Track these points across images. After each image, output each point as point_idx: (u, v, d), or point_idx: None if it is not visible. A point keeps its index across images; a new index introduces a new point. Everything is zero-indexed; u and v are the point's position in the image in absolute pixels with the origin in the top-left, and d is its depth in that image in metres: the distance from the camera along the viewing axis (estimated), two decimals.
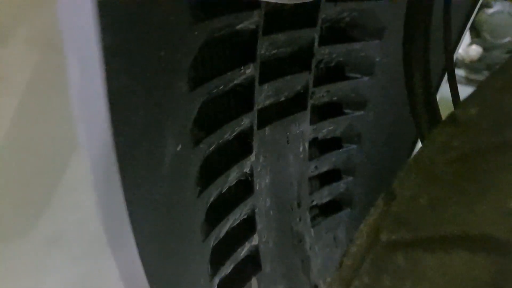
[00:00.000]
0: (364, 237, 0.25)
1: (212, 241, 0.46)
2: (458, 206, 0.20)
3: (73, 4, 0.23)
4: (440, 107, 0.44)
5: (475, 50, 1.61)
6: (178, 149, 0.34)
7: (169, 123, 0.32)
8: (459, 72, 1.73)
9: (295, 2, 0.31)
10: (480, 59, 1.65)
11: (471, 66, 1.65)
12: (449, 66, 0.37)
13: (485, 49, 1.64)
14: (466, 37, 1.66)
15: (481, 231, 0.19)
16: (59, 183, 0.24)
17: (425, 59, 0.38)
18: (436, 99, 0.42)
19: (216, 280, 0.48)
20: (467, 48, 1.62)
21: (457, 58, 1.72)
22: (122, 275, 0.27)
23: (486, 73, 1.66)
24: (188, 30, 0.32)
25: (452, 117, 0.25)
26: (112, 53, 0.25)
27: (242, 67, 0.42)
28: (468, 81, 1.70)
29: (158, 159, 0.31)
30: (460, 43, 0.68)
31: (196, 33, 0.33)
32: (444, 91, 0.61)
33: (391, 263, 0.22)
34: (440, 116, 0.41)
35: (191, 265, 0.41)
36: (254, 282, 0.55)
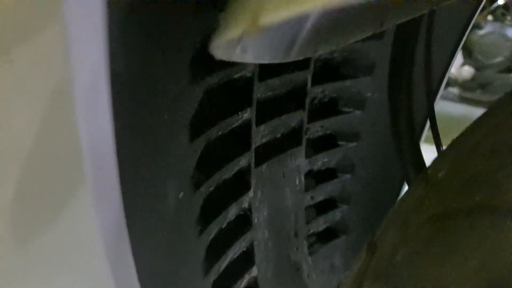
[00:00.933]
0: (349, 286, 0.28)
1: (213, 276, 0.48)
2: (429, 265, 0.23)
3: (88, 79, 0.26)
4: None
5: (468, 71, 1.65)
6: (180, 196, 0.37)
7: (171, 175, 0.35)
8: (453, 91, 1.77)
9: (287, 60, 0.34)
10: (473, 79, 1.69)
11: (464, 85, 1.69)
12: (431, 113, 0.39)
13: (477, 69, 1.68)
14: (459, 58, 1.70)
15: None
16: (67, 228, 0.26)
17: (409, 109, 0.41)
18: (419, 145, 0.45)
19: None
20: (460, 69, 1.66)
21: (450, 78, 1.76)
22: None
23: (479, 92, 1.71)
24: (188, 89, 0.35)
25: (424, 175, 0.27)
26: (122, 120, 0.28)
27: (239, 113, 0.45)
28: (461, 99, 1.74)
29: (162, 208, 0.34)
30: (451, 64, 0.70)
31: (196, 90, 0.36)
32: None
33: None
34: (424, 162, 0.44)
35: None
36: None
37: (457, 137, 0.28)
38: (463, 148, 0.26)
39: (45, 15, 0.26)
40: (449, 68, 0.63)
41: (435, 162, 0.26)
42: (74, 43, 0.24)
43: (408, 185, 0.46)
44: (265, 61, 0.33)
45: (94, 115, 0.27)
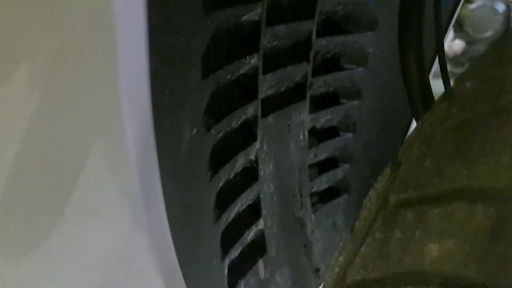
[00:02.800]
0: (373, 201, 0.28)
1: (222, 224, 0.48)
2: (459, 165, 0.23)
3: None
4: None
5: (459, 45, 1.67)
6: (194, 132, 0.37)
7: (187, 107, 0.34)
8: None
9: None
10: (463, 53, 1.70)
11: (455, 60, 1.71)
12: (440, 49, 0.40)
13: (468, 43, 1.70)
14: (450, 33, 1.71)
15: (480, 184, 0.22)
16: (101, 154, 0.26)
17: (419, 46, 0.41)
18: (429, 82, 0.45)
19: (227, 261, 0.50)
20: (451, 43, 1.67)
21: None
22: (153, 245, 0.29)
23: None
24: (202, 19, 0.34)
25: (449, 92, 0.28)
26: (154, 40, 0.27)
27: (247, 57, 0.45)
28: (452, 75, 1.75)
29: (179, 138, 0.34)
30: (446, 35, 0.71)
31: (208, 22, 0.36)
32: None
33: (400, 218, 0.25)
34: (433, 96, 0.44)
35: (206, 245, 0.44)
36: (261, 265, 0.57)
37: (478, 56, 0.28)
38: (490, 58, 0.26)
39: None
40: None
41: (460, 76, 0.27)
42: None
43: (416, 122, 0.47)
44: None
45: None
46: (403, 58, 0.43)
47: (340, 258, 0.29)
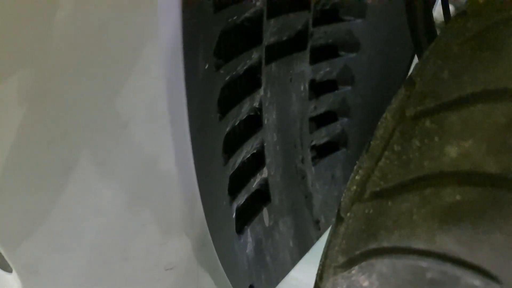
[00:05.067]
0: (389, 119, 0.29)
1: (230, 168, 0.49)
2: (476, 71, 0.24)
3: None
4: None
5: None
6: (206, 67, 0.37)
7: (200, 40, 0.35)
8: None
9: None
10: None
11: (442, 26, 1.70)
12: None
13: (457, 8, 1.70)
14: None
15: (498, 86, 0.23)
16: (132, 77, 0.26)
17: None
18: (432, 16, 0.46)
19: (234, 205, 0.51)
20: (440, 8, 1.68)
21: None
22: (177, 161, 0.30)
23: None
24: None
25: (462, 12, 0.28)
26: None
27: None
28: None
29: (196, 69, 0.34)
30: None
31: None
32: None
33: (418, 129, 0.26)
34: (436, 30, 0.45)
35: (217, 183, 0.45)
36: (265, 213, 0.59)
37: None
38: None
39: None
40: None
41: None
42: None
43: (419, 58, 0.48)
44: None
45: None
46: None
47: (357, 177, 0.30)
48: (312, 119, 0.68)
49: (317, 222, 0.72)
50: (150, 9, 0.26)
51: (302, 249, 0.68)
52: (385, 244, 0.25)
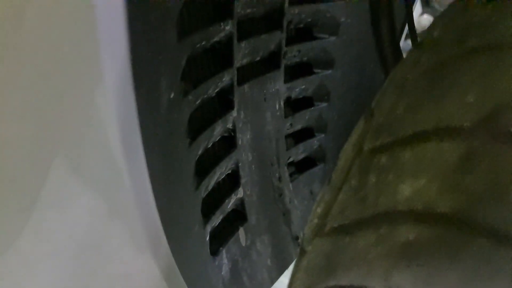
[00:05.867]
0: (349, 152, 0.29)
1: (203, 191, 0.49)
2: (429, 107, 0.24)
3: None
4: None
5: (427, 19, 1.70)
6: (171, 96, 0.37)
7: (163, 70, 0.34)
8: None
9: None
10: None
11: (423, 35, 1.73)
12: (409, 15, 0.41)
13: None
14: (418, 8, 1.73)
15: (448, 123, 0.23)
16: (82, 120, 0.26)
17: (389, 6, 0.42)
18: (398, 41, 0.46)
19: (208, 228, 0.51)
20: (419, 18, 1.70)
21: None
22: (137, 203, 0.30)
23: None
24: None
25: (418, 43, 0.29)
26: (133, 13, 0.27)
27: (221, 23, 0.45)
28: None
29: (157, 101, 0.34)
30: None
31: None
32: None
33: (375, 164, 0.26)
34: (402, 54, 0.46)
35: (187, 211, 0.44)
36: (242, 232, 0.58)
37: (446, 8, 0.29)
38: (454, 9, 0.27)
39: None
40: None
41: (428, 28, 0.28)
42: None
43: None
44: None
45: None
46: (375, 18, 0.44)
47: (318, 210, 0.30)
48: (288, 136, 0.68)
49: (296, 238, 0.71)
50: (90, 49, 0.25)
51: (281, 266, 0.67)
52: (343, 282, 0.25)
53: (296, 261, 0.31)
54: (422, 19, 1.73)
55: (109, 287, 0.32)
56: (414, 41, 0.41)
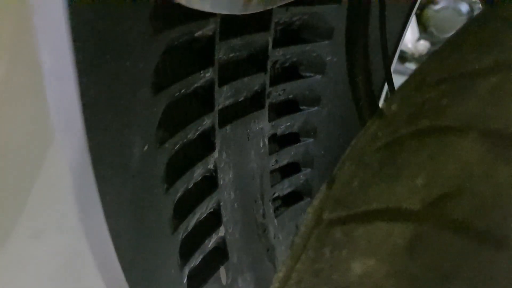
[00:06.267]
0: (310, 218, 0.29)
1: (181, 234, 0.49)
2: (381, 186, 0.25)
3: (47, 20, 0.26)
4: None
5: (423, 45, 1.72)
6: (145, 149, 0.37)
7: (136, 126, 0.35)
8: (410, 66, 1.85)
9: (246, 12, 0.35)
10: (428, 53, 1.76)
11: (420, 59, 1.76)
12: (387, 74, 0.42)
13: (433, 44, 1.76)
14: (415, 33, 1.75)
15: (397, 205, 0.24)
16: (38, 181, 0.26)
17: (365, 58, 0.43)
18: (375, 95, 0.47)
19: (186, 270, 0.51)
20: (416, 43, 1.72)
21: (407, 52, 1.84)
22: (99, 266, 0.30)
23: None
24: (149, 41, 0.35)
25: (380, 112, 0.29)
26: (85, 66, 0.28)
27: (202, 71, 0.46)
28: None
29: (127, 158, 0.34)
30: (401, 41, 0.73)
31: (156, 42, 0.36)
32: None
33: (330, 237, 0.26)
34: (379, 106, 0.46)
35: (162, 256, 0.45)
36: (222, 271, 0.58)
37: (405, 79, 0.30)
38: (412, 83, 0.28)
39: None
40: (403, 33, 0.66)
41: (388, 99, 0.28)
42: None
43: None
44: (224, 11, 0.34)
45: (58, 64, 0.27)
46: (351, 72, 0.44)
47: (280, 273, 0.30)
48: (275, 171, 0.69)
49: None
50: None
51: None
52: None
53: None
54: (419, 44, 1.75)
55: None
56: (391, 92, 0.42)
